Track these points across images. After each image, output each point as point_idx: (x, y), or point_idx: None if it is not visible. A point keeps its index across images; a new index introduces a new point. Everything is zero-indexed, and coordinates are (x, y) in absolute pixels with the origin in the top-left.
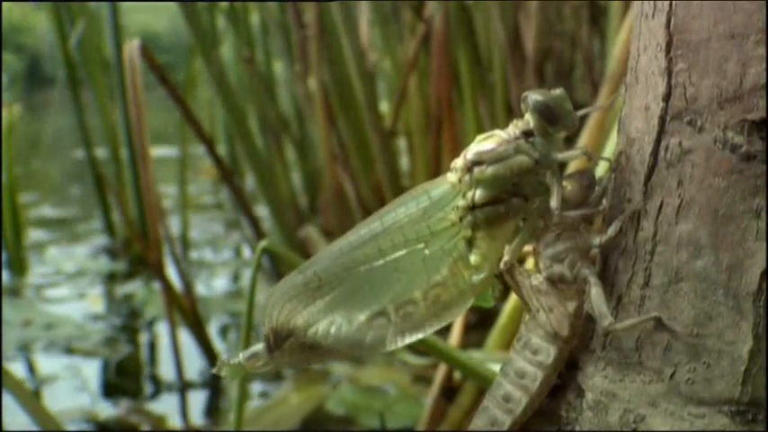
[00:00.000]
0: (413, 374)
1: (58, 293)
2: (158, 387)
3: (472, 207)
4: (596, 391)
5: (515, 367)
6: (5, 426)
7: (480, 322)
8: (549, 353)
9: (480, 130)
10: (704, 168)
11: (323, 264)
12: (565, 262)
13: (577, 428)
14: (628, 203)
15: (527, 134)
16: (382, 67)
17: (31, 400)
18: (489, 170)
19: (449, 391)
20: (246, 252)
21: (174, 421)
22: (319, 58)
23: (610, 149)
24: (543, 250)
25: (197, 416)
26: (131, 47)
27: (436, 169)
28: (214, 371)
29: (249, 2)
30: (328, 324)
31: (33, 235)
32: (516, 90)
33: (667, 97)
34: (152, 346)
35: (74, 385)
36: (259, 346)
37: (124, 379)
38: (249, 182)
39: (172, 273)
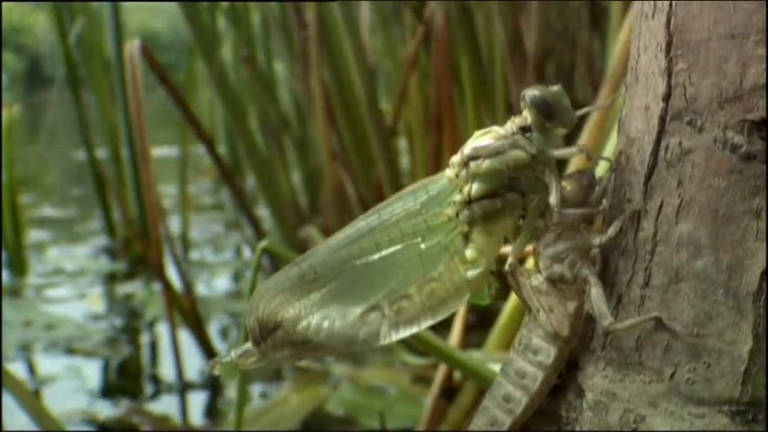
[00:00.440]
0: (413, 375)
1: (58, 293)
2: (158, 387)
3: (469, 201)
4: (596, 391)
5: (516, 367)
6: (5, 426)
7: (480, 322)
8: (549, 353)
9: (481, 129)
10: (704, 168)
11: (320, 256)
12: (565, 262)
13: (577, 428)
14: (628, 203)
15: (524, 130)
16: (383, 67)
17: (31, 400)
18: (485, 164)
19: (449, 392)
20: (247, 252)
21: (175, 421)
22: (320, 57)
23: (610, 149)
24: (543, 250)
25: (197, 416)
26: (132, 46)
27: (437, 169)
28: (208, 369)
29: (249, 2)
30: (321, 318)
31: (33, 235)
32: (517, 90)
33: (667, 97)
34: (152, 347)
35: (74, 385)
36: (251, 344)
37: (124, 379)
38: (249, 182)
39: (172, 273)
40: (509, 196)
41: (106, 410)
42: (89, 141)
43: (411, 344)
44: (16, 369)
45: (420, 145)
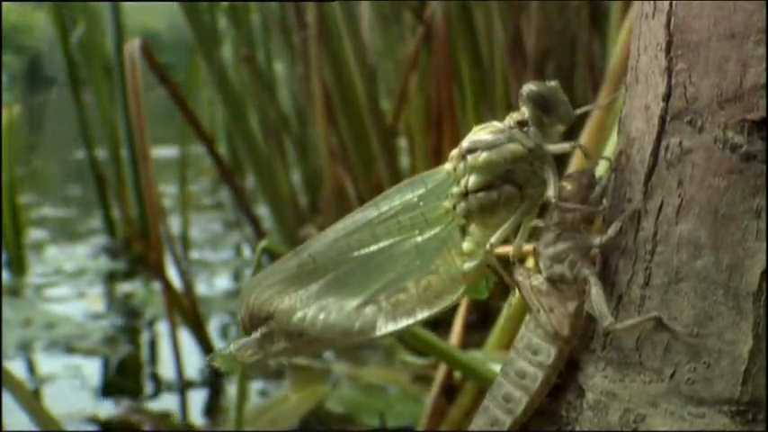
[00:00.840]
0: (413, 374)
1: (58, 293)
2: (159, 386)
3: (465, 194)
4: (596, 391)
5: (516, 367)
6: (5, 426)
7: (480, 322)
8: (549, 353)
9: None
10: (704, 168)
11: (319, 247)
12: (565, 262)
13: (577, 428)
14: (628, 203)
15: (522, 124)
16: (383, 67)
17: (31, 400)
18: (482, 157)
19: (449, 391)
20: (247, 252)
21: (175, 420)
22: (320, 57)
23: (610, 149)
24: (543, 250)
25: (197, 415)
26: (132, 46)
27: None
28: (207, 361)
29: (249, 1)
30: (317, 310)
31: (33, 235)
32: (516, 90)
33: (667, 97)
34: (152, 346)
35: (74, 384)
36: (250, 338)
37: (124, 378)
38: (249, 182)
39: (172, 272)
40: (505, 189)
41: (106, 409)
42: (89, 141)
43: (411, 343)
44: (16, 368)
45: (420, 145)
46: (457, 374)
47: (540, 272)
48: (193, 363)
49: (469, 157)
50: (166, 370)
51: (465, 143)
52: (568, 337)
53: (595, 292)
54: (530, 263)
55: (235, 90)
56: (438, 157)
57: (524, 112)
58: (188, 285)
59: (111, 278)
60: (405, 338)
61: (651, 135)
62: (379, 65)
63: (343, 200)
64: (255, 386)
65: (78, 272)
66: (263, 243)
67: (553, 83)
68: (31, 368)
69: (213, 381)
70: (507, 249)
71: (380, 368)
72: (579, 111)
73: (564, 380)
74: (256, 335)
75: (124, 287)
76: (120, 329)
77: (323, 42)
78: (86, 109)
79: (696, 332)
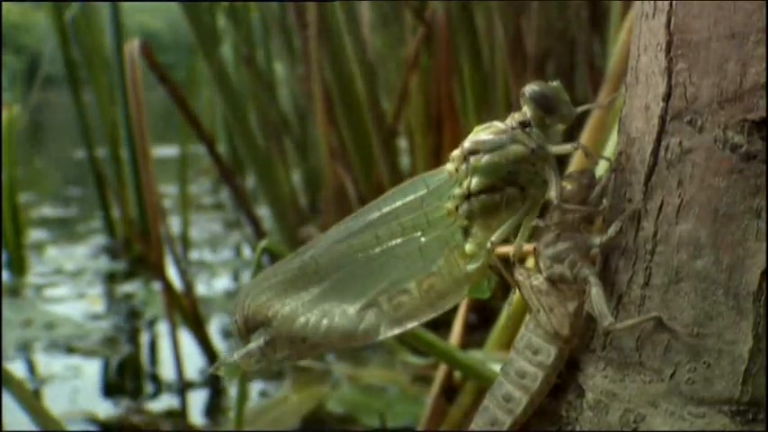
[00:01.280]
0: (413, 374)
1: (58, 293)
2: (159, 386)
3: (468, 195)
4: (597, 391)
5: (516, 367)
6: (5, 426)
7: (480, 322)
8: (549, 353)
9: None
10: (704, 168)
11: (321, 248)
12: (565, 262)
13: (578, 428)
14: (628, 203)
15: (524, 125)
16: (383, 67)
17: (31, 399)
18: (485, 158)
19: (449, 391)
20: (247, 252)
21: (175, 421)
22: (320, 57)
23: (610, 149)
24: (543, 250)
25: (197, 415)
26: (132, 46)
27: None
28: (211, 370)
29: (249, 1)
30: (320, 314)
31: (33, 235)
32: (516, 90)
33: (668, 97)
34: (152, 346)
35: (74, 385)
36: (253, 345)
37: (124, 378)
38: (249, 182)
39: (172, 272)
40: (508, 191)
41: (106, 410)
42: (89, 141)
43: (411, 343)
44: (16, 368)
45: (420, 145)
46: (457, 374)
47: (540, 272)
48: (193, 363)
49: (472, 159)
50: (166, 370)
51: (467, 144)
52: (568, 337)
53: (595, 292)
54: (530, 263)
55: (235, 90)
56: (438, 157)
57: (526, 112)
58: (188, 285)
59: (111, 278)
60: (405, 339)
61: (651, 135)
62: (379, 65)
63: (343, 200)
64: (256, 386)
65: (78, 272)
66: (263, 243)
67: (555, 83)
68: (31, 368)
69: (213, 381)
70: (508, 249)
71: (380, 368)
72: (580, 109)
73: (564, 380)
74: (259, 342)
75: (124, 287)
76: (120, 330)
77: (323, 42)
78: (86, 109)
79: (696, 332)
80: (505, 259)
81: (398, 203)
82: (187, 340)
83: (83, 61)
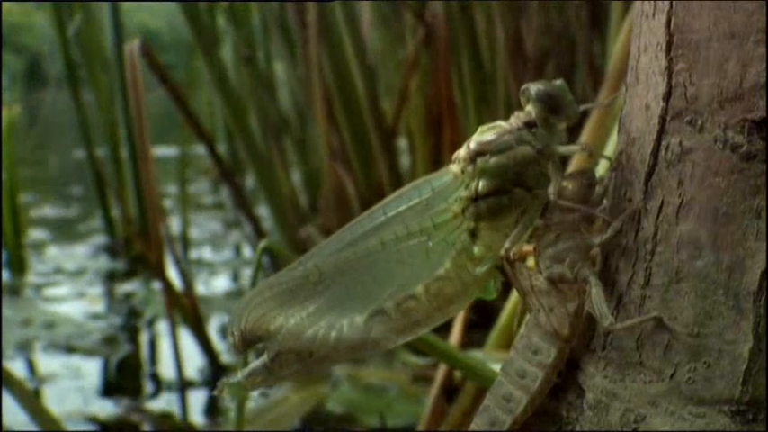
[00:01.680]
0: (413, 374)
1: (57, 292)
2: (158, 386)
3: (475, 198)
4: (597, 391)
5: (516, 367)
6: (5, 426)
7: (480, 322)
8: (549, 353)
9: (484, 125)
10: (704, 168)
11: (324, 256)
12: (565, 262)
13: (578, 428)
14: (628, 203)
15: (529, 125)
16: (383, 67)
17: (31, 399)
18: (492, 161)
19: (449, 391)
20: (247, 251)
21: (175, 420)
22: (320, 57)
23: (610, 149)
24: (543, 250)
25: (197, 414)
26: (132, 46)
27: (437, 169)
28: (215, 392)
29: (249, 1)
30: (328, 326)
31: (33, 234)
32: (517, 90)
33: (668, 97)
34: (152, 345)
35: (74, 384)
36: (257, 363)
37: (124, 378)
38: (249, 181)
39: (172, 272)
40: (516, 192)
41: (106, 409)
42: (89, 141)
43: (411, 343)
44: (16, 368)
45: (420, 145)
46: (457, 374)
47: (540, 272)
48: (193, 363)
49: (479, 161)
50: (166, 370)
51: (473, 145)
52: (568, 337)
53: (595, 292)
54: (530, 263)
55: (235, 90)
56: (438, 157)
57: (530, 112)
58: (188, 285)
59: (110, 278)
60: None
61: (651, 135)
62: (379, 65)
63: (343, 200)
64: None
65: (78, 271)
66: (263, 243)
67: (559, 81)
68: (31, 368)
69: (213, 381)
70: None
71: (380, 368)
72: (581, 108)
73: (564, 380)
74: (264, 359)
75: (124, 287)
76: (119, 329)
77: (323, 42)
78: (86, 108)
79: (696, 332)
80: (506, 258)
81: (403, 207)
82: (187, 340)
83: (83, 61)
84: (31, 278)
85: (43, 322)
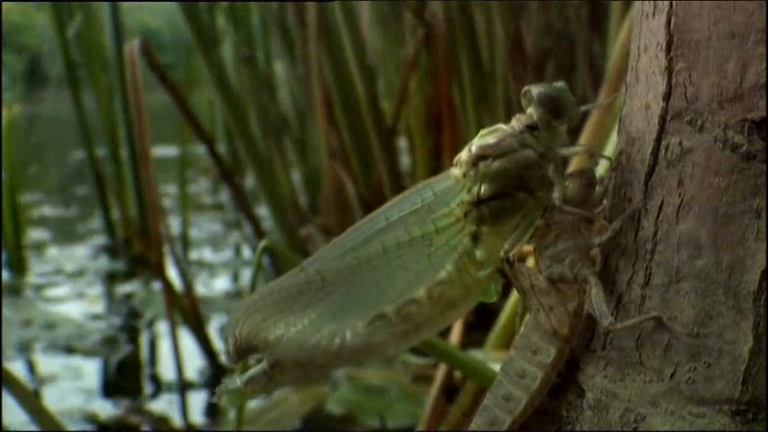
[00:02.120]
0: (413, 374)
1: (57, 293)
2: (158, 387)
3: (477, 202)
4: (597, 391)
5: (515, 366)
6: (5, 426)
7: (480, 322)
8: (549, 352)
9: (481, 129)
10: (704, 168)
11: (325, 262)
12: (565, 262)
13: (578, 428)
14: (628, 203)
15: (531, 128)
16: (383, 67)
17: (31, 399)
18: (495, 164)
19: (449, 391)
20: (247, 252)
21: (175, 421)
22: (320, 57)
23: (610, 149)
24: (543, 250)
25: (197, 415)
26: (132, 46)
27: (436, 169)
28: (213, 399)
29: (249, 1)
30: (330, 334)
31: (33, 234)
32: (517, 90)
33: (668, 96)
34: (152, 346)
35: (74, 385)
36: (256, 369)
37: (124, 379)
38: (249, 182)
39: (172, 272)
40: (518, 196)
41: (106, 410)
42: (89, 141)
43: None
44: (16, 368)
45: (420, 145)
46: (457, 374)
47: (540, 271)
48: (193, 363)
49: (481, 165)
50: (166, 370)
51: (475, 149)
52: (568, 337)
53: (595, 292)
54: (530, 263)
55: (235, 90)
56: (438, 158)
57: (532, 114)
58: (188, 285)
59: (110, 278)
60: None
61: (651, 134)
62: (379, 65)
63: (343, 200)
64: None
65: (78, 272)
66: (263, 243)
67: (560, 83)
68: (31, 368)
69: (213, 381)
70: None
71: (380, 368)
72: (581, 108)
73: (564, 379)
74: (264, 366)
75: (124, 287)
76: (119, 330)
77: (323, 42)
78: (86, 108)
79: (696, 332)
80: (507, 259)
81: (405, 211)
82: (187, 340)
83: (83, 61)
84: (31, 279)
85: (43, 323)
